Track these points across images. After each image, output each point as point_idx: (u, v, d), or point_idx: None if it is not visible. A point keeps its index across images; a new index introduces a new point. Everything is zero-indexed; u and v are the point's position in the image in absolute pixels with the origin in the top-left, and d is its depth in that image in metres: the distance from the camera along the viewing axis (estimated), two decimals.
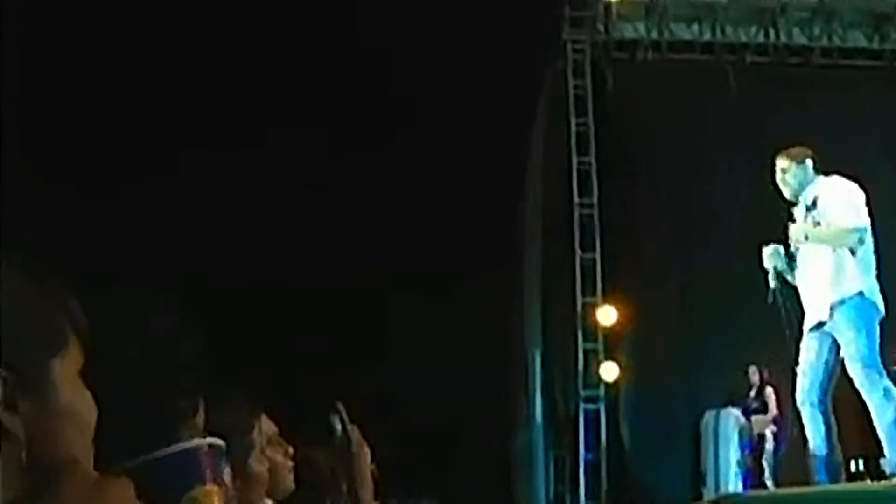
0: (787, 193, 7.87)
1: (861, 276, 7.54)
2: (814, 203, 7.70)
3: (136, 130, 14.55)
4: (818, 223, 7.64)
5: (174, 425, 2.06)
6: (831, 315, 7.46)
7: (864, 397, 7.33)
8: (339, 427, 3.44)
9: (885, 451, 7.36)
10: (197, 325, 2.21)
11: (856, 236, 7.54)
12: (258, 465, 3.21)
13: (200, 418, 2.19)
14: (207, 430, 2.21)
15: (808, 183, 7.80)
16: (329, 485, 4.84)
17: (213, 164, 14.67)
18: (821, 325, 7.54)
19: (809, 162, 7.83)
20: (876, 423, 7.34)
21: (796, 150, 7.92)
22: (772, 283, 7.83)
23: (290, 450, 4.09)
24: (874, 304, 7.54)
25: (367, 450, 3.42)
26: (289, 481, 4.05)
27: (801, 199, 7.82)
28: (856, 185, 7.75)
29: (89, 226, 12.71)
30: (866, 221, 7.62)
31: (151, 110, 14.64)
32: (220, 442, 1.95)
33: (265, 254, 15.27)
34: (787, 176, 7.86)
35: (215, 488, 1.87)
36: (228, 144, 14.86)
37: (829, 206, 7.62)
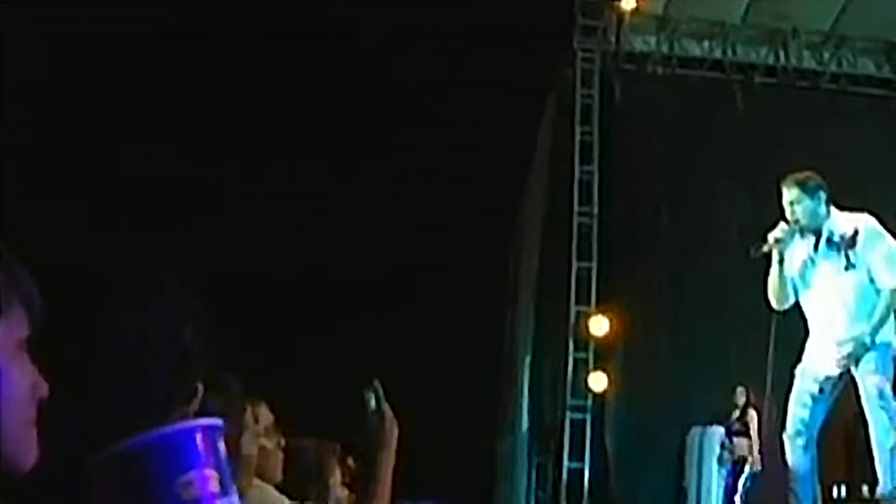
0: (799, 225, 7.64)
1: (892, 325, 7.53)
2: (843, 241, 7.55)
3: (141, 123, 14.59)
4: (851, 265, 7.58)
5: (171, 408, 2.07)
6: (854, 355, 7.43)
7: (870, 424, 7.36)
8: (372, 403, 3.48)
9: (879, 476, 7.38)
10: (204, 314, 2.23)
11: None
12: (248, 448, 3.24)
13: (196, 403, 2.20)
14: (200, 412, 2.22)
15: (822, 217, 7.62)
16: (315, 478, 4.88)
17: (222, 158, 14.72)
18: (840, 364, 7.51)
19: (823, 195, 7.64)
20: (875, 448, 7.36)
21: (803, 177, 7.70)
22: (764, 248, 7.74)
23: (282, 441, 4.13)
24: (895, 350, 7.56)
25: (396, 429, 3.47)
26: (277, 469, 4.09)
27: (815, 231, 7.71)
28: (891, 237, 7.66)
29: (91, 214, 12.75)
30: None
31: (159, 107, 14.69)
32: (217, 422, 1.92)
33: (273, 248, 15.30)
34: (798, 209, 7.62)
35: (211, 472, 1.84)
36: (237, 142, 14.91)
37: (873, 258, 7.47)
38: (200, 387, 2.22)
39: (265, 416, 3.72)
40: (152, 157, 14.48)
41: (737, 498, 13.96)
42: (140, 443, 1.80)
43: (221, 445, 1.89)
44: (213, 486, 1.83)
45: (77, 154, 13.64)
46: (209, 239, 14.54)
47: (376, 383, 3.54)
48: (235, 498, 1.88)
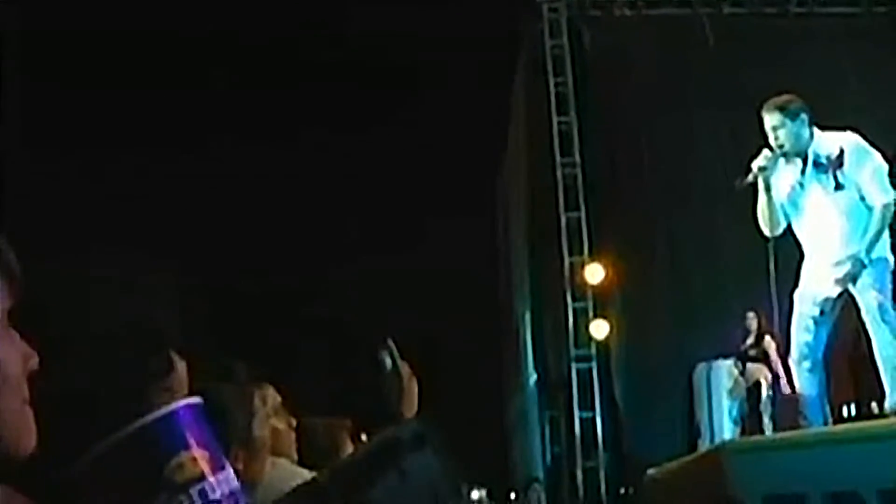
0: (783, 150, 7.61)
1: (887, 239, 7.54)
2: (830, 162, 7.54)
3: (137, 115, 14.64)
4: (840, 186, 7.56)
5: (147, 384, 2.06)
6: (851, 274, 7.44)
7: (873, 340, 7.38)
8: (388, 363, 3.45)
9: (886, 390, 7.40)
10: (171, 287, 2.23)
11: (891, 212, 7.51)
12: (260, 431, 3.24)
13: (177, 378, 2.19)
14: (191, 390, 2.21)
15: (806, 139, 7.58)
16: (330, 454, 4.88)
17: (205, 141, 14.74)
18: (839, 286, 7.52)
19: (805, 118, 7.59)
20: (879, 363, 7.39)
21: (783, 101, 7.65)
22: (749, 178, 7.72)
23: (294, 421, 4.13)
24: (892, 265, 7.58)
25: (416, 386, 3.44)
26: (291, 449, 4.10)
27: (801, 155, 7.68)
28: (877, 153, 7.66)
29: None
30: (894, 195, 7.57)
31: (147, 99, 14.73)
32: (195, 400, 1.91)
33: (269, 230, 15.35)
34: (781, 133, 7.58)
35: (200, 451, 1.83)
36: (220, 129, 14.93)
37: (861, 177, 7.45)
38: (181, 365, 2.21)
39: (273, 397, 3.71)
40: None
41: (766, 419, 13.96)
42: (123, 436, 1.79)
43: (205, 423, 1.89)
44: (204, 465, 1.83)
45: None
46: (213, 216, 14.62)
47: (390, 342, 3.52)
48: (230, 472, 1.88)
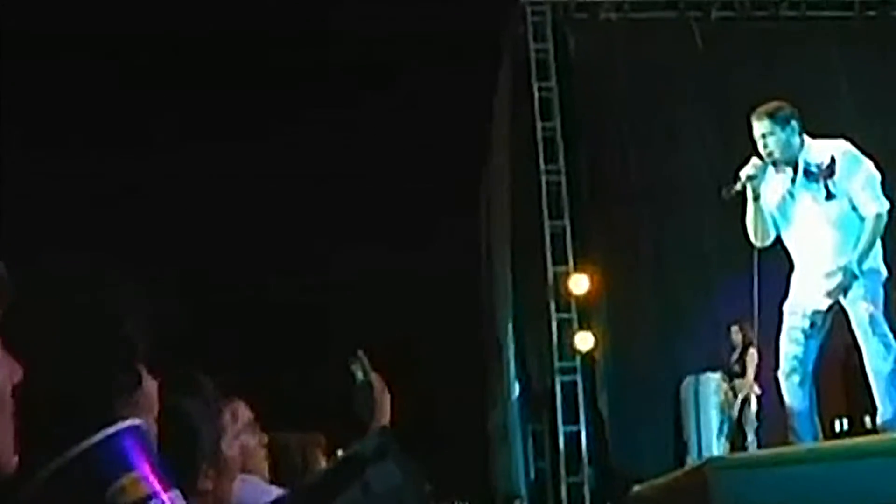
0: (772, 158, 7.59)
1: (879, 250, 7.55)
2: (821, 170, 7.52)
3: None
4: (831, 195, 7.54)
5: (112, 399, 2.05)
6: (842, 286, 7.44)
7: (864, 353, 7.38)
8: (360, 374, 3.44)
9: (878, 404, 7.40)
10: (143, 298, 2.20)
11: (883, 222, 7.52)
12: (230, 450, 3.21)
13: (145, 394, 2.17)
14: (165, 409, 2.20)
15: (796, 147, 7.56)
16: (302, 472, 4.86)
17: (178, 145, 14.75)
18: (829, 297, 7.52)
19: (795, 125, 7.58)
20: (871, 375, 7.39)
21: (773, 108, 7.63)
22: (736, 187, 7.70)
23: (265, 438, 4.10)
24: (883, 276, 7.59)
25: (388, 397, 3.42)
26: (262, 466, 4.07)
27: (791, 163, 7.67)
28: (870, 161, 7.66)
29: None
30: (886, 205, 7.57)
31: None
32: (136, 421, 1.91)
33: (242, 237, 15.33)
34: (771, 141, 7.55)
35: (145, 473, 1.84)
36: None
37: (853, 186, 7.46)
38: (150, 383, 2.19)
39: (243, 413, 3.69)
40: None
41: (749, 437, 13.99)
42: (65, 461, 1.80)
43: (149, 444, 1.90)
44: (145, 488, 1.83)
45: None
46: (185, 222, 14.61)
47: (361, 353, 3.50)
48: (173, 494, 1.87)
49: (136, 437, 1.87)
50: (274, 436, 4.29)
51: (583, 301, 16.40)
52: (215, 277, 15.14)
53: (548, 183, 16.70)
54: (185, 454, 2.73)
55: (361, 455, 2.73)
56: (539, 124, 16.89)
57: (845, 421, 12.98)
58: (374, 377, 3.47)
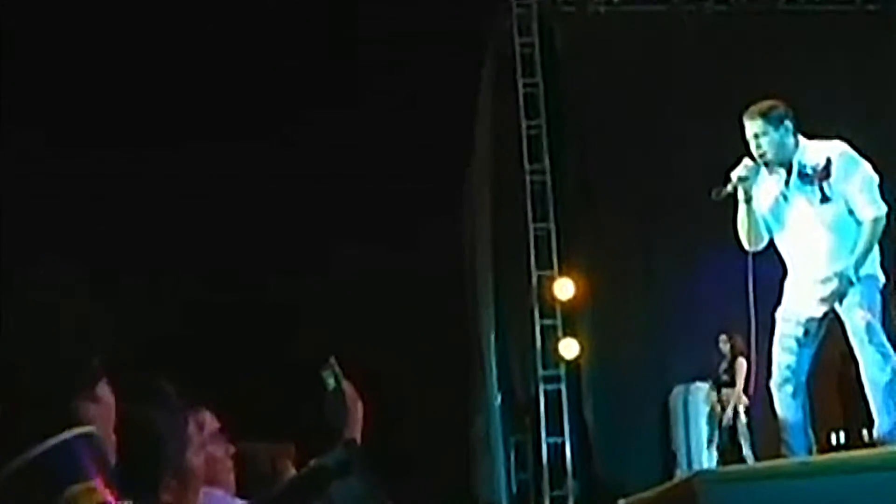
0: (765, 159, 7.63)
1: (876, 256, 7.56)
2: (816, 172, 7.52)
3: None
4: (827, 198, 7.55)
5: (69, 404, 2.04)
6: (838, 292, 7.44)
7: (860, 362, 7.39)
8: (331, 382, 3.43)
9: (875, 417, 7.41)
10: (100, 300, 2.20)
11: (881, 226, 7.53)
12: (195, 460, 3.21)
13: (101, 403, 2.16)
14: (120, 414, 2.20)
15: (790, 148, 7.61)
16: (269, 483, 4.85)
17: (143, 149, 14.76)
18: (824, 305, 7.52)
19: (789, 125, 7.61)
20: (867, 388, 7.40)
21: (766, 107, 7.68)
22: (727, 188, 7.71)
23: (231, 448, 4.09)
24: (881, 283, 7.60)
25: (360, 406, 3.42)
26: (228, 478, 4.05)
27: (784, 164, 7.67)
28: (867, 163, 7.67)
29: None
30: (885, 209, 7.58)
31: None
32: (90, 429, 1.91)
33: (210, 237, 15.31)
34: (764, 141, 7.60)
35: (93, 483, 1.84)
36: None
37: (850, 188, 7.49)
38: (108, 391, 2.19)
39: (209, 423, 3.68)
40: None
41: (745, 449, 14.02)
42: (15, 467, 1.80)
43: (103, 453, 1.90)
44: (98, 497, 1.83)
45: None
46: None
47: (333, 360, 3.50)
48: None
49: (89, 446, 1.87)
50: (242, 446, 4.28)
51: (568, 307, 16.39)
52: (182, 281, 15.12)
53: (532, 183, 16.68)
54: (146, 464, 2.72)
55: (325, 469, 2.74)
56: (524, 122, 16.87)
57: (842, 434, 13.03)
58: (346, 385, 3.46)
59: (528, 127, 16.86)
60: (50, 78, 14.45)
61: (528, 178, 16.68)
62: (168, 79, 15.33)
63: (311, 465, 2.64)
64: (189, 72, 15.44)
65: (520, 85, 17.00)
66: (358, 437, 3.42)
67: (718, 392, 14.47)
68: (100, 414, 2.15)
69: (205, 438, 3.46)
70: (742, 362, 13.87)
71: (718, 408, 14.48)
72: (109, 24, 14.83)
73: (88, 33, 14.70)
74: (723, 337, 14.23)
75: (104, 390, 2.20)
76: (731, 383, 14.28)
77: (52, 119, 14.28)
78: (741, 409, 14.12)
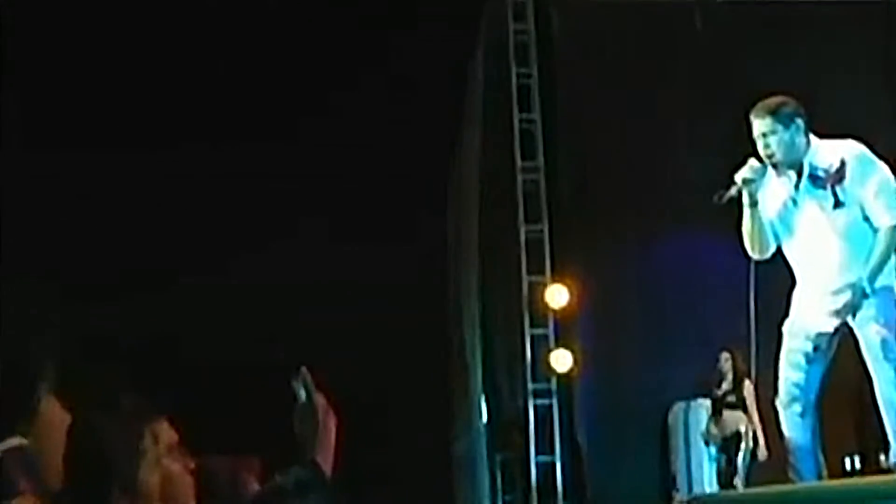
0: (773, 160, 7.63)
1: (893, 266, 7.56)
2: (829, 175, 7.52)
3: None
4: (840, 203, 7.55)
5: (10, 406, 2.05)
6: (851, 305, 7.44)
7: (875, 381, 7.39)
8: (302, 394, 3.43)
9: (891, 440, 7.41)
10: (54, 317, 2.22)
11: None
12: (150, 476, 3.19)
13: (40, 416, 2.17)
14: (75, 428, 2.20)
15: (801, 148, 7.60)
16: (231, 500, 4.85)
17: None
18: (836, 318, 7.52)
19: (800, 123, 7.59)
20: (882, 408, 7.39)
21: (775, 104, 7.66)
22: (731, 191, 7.70)
23: (191, 463, 4.08)
24: None
25: (333, 418, 3.42)
26: (187, 495, 4.04)
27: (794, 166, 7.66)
28: (885, 165, 7.66)
29: None
30: None
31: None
32: (21, 441, 1.93)
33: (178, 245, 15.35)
34: (772, 141, 7.58)
35: (30, 498, 1.86)
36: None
37: (865, 193, 7.48)
38: (53, 403, 2.20)
39: (167, 434, 3.66)
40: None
41: (737, 480, 14.02)
42: None
43: (33, 467, 1.92)
44: None
45: None
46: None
47: (304, 371, 3.50)
48: None
49: (22, 460, 1.89)
50: (202, 460, 4.27)
51: (561, 315, 16.39)
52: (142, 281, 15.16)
53: (524, 182, 16.67)
54: (94, 479, 2.72)
55: (283, 489, 2.75)
56: (517, 116, 16.86)
57: (857, 458, 13.05)
58: (318, 397, 3.46)
59: (522, 121, 16.84)
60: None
61: (519, 176, 16.67)
62: (142, 79, 15.43)
63: (268, 484, 2.65)
64: (151, 72, 15.53)
65: (513, 76, 16.98)
66: (330, 452, 3.42)
67: (719, 414, 14.47)
68: (44, 424, 2.15)
69: (161, 451, 3.45)
70: (749, 385, 13.85)
71: (714, 430, 14.48)
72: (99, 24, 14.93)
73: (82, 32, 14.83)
74: (724, 355, 14.24)
75: (50, 400, 2.20)
76: (734, 405, 14.28)
77: None
78: (743, 432, 14.11)
